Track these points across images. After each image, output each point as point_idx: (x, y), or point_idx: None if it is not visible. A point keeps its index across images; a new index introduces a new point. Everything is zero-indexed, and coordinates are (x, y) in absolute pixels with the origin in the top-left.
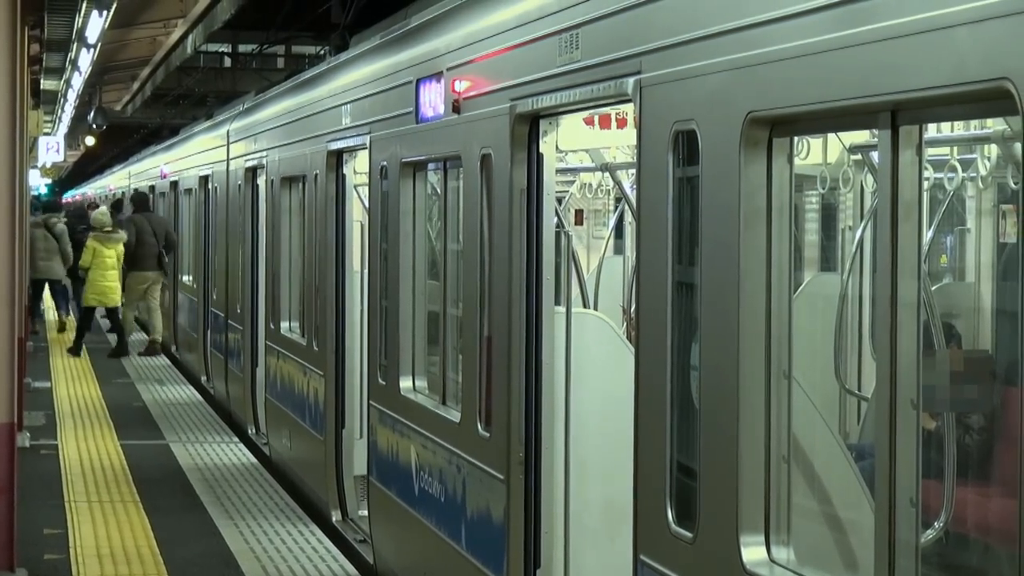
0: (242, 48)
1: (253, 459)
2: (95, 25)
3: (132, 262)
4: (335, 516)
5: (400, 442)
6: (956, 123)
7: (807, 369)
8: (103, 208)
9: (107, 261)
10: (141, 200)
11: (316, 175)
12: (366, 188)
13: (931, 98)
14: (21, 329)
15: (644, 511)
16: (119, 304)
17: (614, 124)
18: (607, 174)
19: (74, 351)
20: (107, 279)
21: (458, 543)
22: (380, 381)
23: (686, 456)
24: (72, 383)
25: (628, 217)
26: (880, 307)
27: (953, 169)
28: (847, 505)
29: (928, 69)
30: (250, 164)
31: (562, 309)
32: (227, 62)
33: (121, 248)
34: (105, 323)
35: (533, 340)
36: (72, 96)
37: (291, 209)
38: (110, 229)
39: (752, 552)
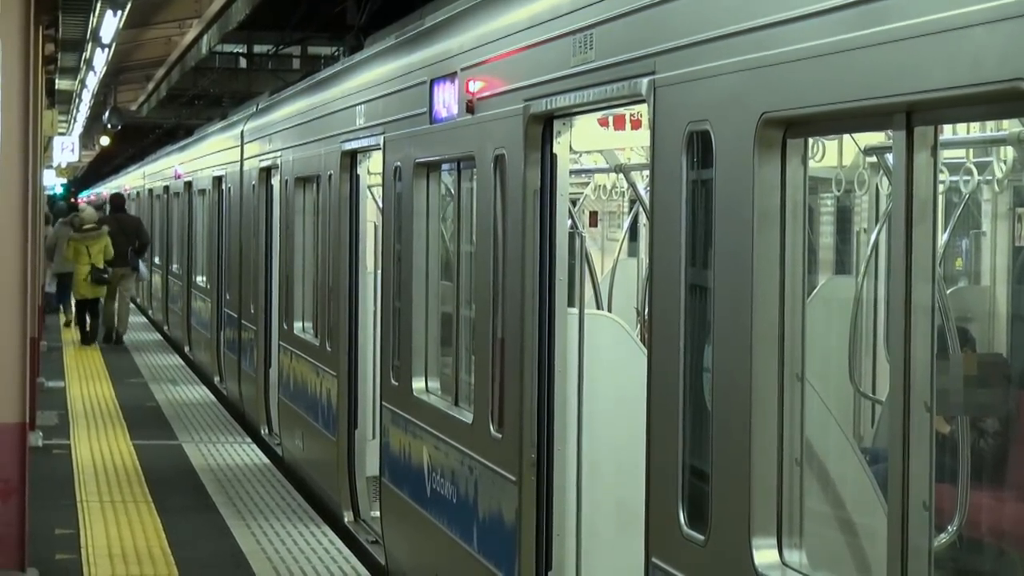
0: (257, 49)
1: (265, 459)
2: (110, 25)
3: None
4: (347, 517)
5: (412, 443)
6: (972, 125)
7: (821, 372)
8: (84, 205)
9: (82, 257)
10: (116, 201)
11: (330, 175)
12: (380, 189)
13: (946, 99)
14: (34, 329)
15: (656, 513)
16: (95, 296)
17: (628, 125)
18: (621, 175)
19: (84, 341)
20: (82, 273)
21: (470, 544)
22: (393, 382)
23: (698, 458)
24: (85, 383)
25: (643, 219)
26: (894, 310)
27: (969, 172)
28: (860, 509)
29: (943, 70)
30: (264, 164)
31: (575, 311)
32: (242, 62)
33: (101, 244)
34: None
35: (546, 342)
36: (87, 96)
37: (305, 209)
38: (90, 227)
39: (764, 555)
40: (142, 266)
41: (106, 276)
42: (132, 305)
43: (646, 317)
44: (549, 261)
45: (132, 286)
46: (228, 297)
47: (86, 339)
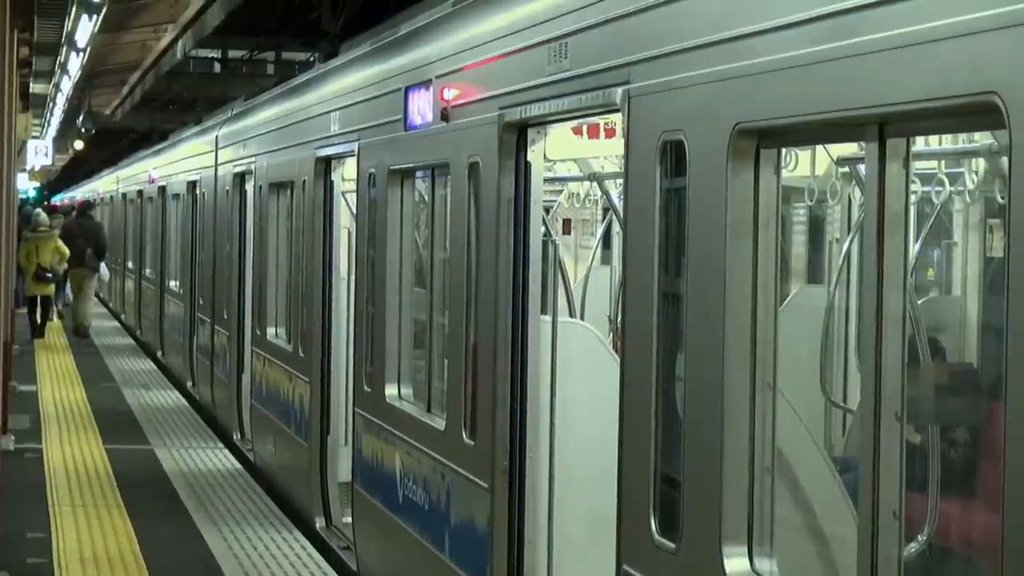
0: (232, 54)
1: (238, 465)
2: (85, 29)
3: (68, 261)
4: (319, 523)
5: (385, 449)
6: (944, 136)
7: (792, 381)
8: (39, 210)
9: (32, 256)
10: (82, 207)
11: (304, 181)
12: (354, 195)
13: (919, 111)
14: (7, 332)
15: (628, 521)
16: (43, 294)
17: (602, 134)
18: (595, 184)
19: (36, 335)
20: (31, 273)
21: (442, 551)
22: (365, 388)
23: (670, 466)
24: (58, 386)
25: (616, 227)
26: (866, 320)
27: (940, 183)
28: (830, 517)
29: (916, 82)
30: (238, 170)
31: (548, 318)
32: (217, 67)
33: (50, 246)
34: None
35: (519, 349)
36: (61, 100)
37: (279, 215)
38: (43, 229)
39: (735, 563)
40: (103, 267)
41: (49, 276)
42: (105, 309)
43: (618, 325)
44: (522, 268)
45: (94, 285)
46: (201, 302)
47: (39, 332)
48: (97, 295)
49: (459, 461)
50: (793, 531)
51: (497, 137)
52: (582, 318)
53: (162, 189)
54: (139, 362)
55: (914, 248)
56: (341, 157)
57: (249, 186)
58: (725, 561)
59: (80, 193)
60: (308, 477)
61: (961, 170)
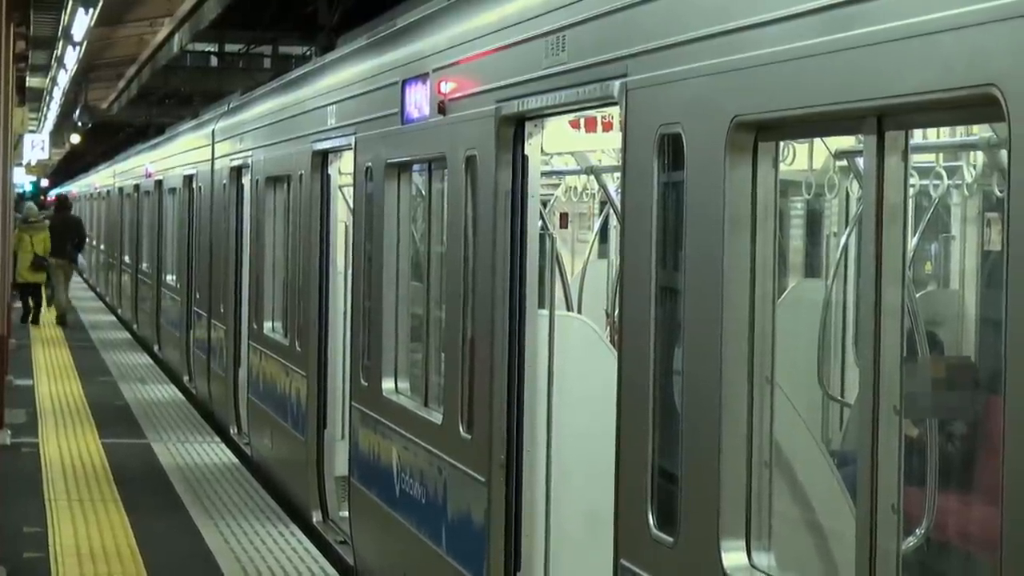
0: (228, 48)
1: (234, 459)
2: (81, 23)
3: (50, 252)
4: (316, 517)
5: (382, 443)
6: (942, 129)
7: (790, 375)
8: (31, 204)
9: (26, 245)
10: (61, 202)
11: (301, 175)
12: (351, 189)
13: (917, 104)
14: (3, 326)
15: (625, 515)
16: (36, 281)
17: (600, 127)
18: (592, 177)
19: (32, 321)
20: (25, 261)
21: (438, 545)
22: (362, 382)
23: (668, 461)
24: (54, 381)
25: (613, 221)
26: (864, 313)
27: (939, 176)
28: (828, 511)
29: (915, 75)
30: (235, 163)
31: (545, 312)
32: (213, 61)
33: (43, 236)
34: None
35: (516, 343)
36: (58, 94)
37: (276, 209)
38: (34, 220)
39: (733, 557)
40: (80, 258)
41: (45, 263)
42: (101, 303)
43: (616, 319)
44: (520, 262)
45: (72, 275)
46: (198, 296)
47: (35, 320)
48: (94, 289)
49: (456, 455)
50: (791, 525)
51: (494, 130)
52: (579, 312)
53: (159, 183)
54: (135, 356)
55: (912, 242)
56: (338, 151)
57: (246, 180)
58: (723, 555)
59: (77, 187)
60: (305, 471)
61: (959, 163)
